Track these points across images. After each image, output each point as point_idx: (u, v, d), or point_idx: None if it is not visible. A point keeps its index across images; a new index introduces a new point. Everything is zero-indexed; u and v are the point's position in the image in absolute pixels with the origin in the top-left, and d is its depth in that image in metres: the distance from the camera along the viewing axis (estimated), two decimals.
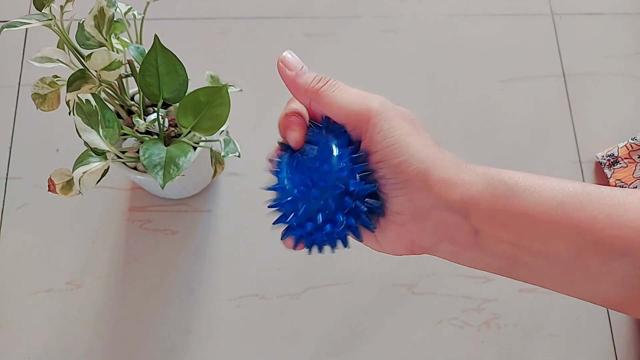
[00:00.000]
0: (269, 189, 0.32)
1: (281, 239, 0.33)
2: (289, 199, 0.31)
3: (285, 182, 0.31)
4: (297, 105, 0.34)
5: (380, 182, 0.31)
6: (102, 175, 0.46)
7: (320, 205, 0.30)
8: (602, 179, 0.69)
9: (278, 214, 0.32)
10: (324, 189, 0.30)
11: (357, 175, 0.30)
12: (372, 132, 0.30)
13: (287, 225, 0.32)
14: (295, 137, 0.32)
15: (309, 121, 0.33)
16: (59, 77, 0.50)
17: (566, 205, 0.28)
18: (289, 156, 0.32)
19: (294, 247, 0.33)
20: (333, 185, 0.30)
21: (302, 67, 0.33)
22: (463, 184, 0.29)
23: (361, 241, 0.32)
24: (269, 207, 0.32)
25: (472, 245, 0.29)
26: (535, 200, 0.28)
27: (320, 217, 0.30)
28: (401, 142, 0.29)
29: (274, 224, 0.32)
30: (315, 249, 0.32)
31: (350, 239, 0.33)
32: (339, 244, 0.32)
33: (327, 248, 0.32)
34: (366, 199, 0.31)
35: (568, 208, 0.27)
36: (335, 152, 0.30)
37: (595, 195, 0.28)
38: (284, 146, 0.33)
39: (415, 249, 0.32)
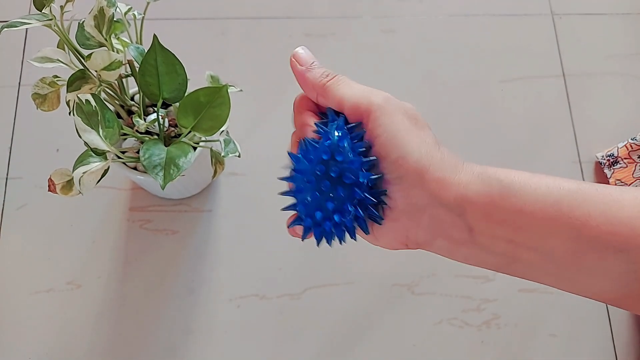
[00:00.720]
0: (283, 179, 0.33)
1: (288, 226, 0.34)
2: (300, 188, 0.32)
3: (297, 173, 0.32)
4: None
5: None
6: (102, 176, 0.46)
7: (329, 195, 0.31)
8: (602, 179, 0.69)
9: (289, 202, 0.33)
10: (334, 180, 0.31)
11: (365, 168, 0.31)
12: (372, 125, 0.31)
13: (295, 215, 0.33)
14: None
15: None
16: (59, 77, 0.50)
17: (561, 202, 0.28)
18: (301, 147, 0.33)
19: (303, 238, 0.33)
20: (344, 176, 0.30)
21: (313, 62, 0.34)
22: (458, 183, 0.29)
23: (368, 234, 0.33)
24: (280, 194, 0.33)
25: (467, 241, 0.30)
26: (530, 198, 0.28)
27: (329, 206, 0.31)
28: (398, 138, 0.30)
29: (283, 209, 0.33)
30: (323, 240, 0.33)
31: (356, 233, 0.33)
32: (346, 235, 0.32)
33: (335, 240, 0.33)
34: (373, 191, 0.31)
35: (563, 205, 0.28)
36: (345, 143, 0.31)
37: (590, 193, 0.28)
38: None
39: (410, 243, 0.32)
